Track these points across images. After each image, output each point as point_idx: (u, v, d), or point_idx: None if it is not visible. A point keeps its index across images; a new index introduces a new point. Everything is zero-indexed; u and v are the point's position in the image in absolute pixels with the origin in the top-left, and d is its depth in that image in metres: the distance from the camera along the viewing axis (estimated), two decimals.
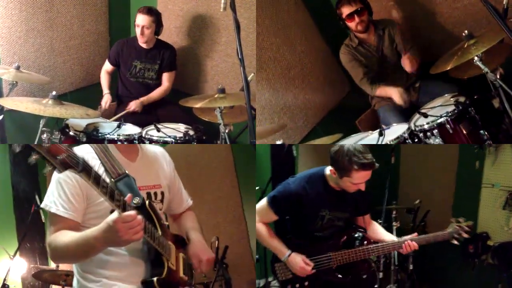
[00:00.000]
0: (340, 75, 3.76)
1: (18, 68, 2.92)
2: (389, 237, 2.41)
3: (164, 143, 2.87)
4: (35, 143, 2.56)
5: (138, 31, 3.45)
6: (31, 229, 3.45)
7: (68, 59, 3.83)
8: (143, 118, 3.33)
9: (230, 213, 3.88)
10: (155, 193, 1.76)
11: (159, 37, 3.60)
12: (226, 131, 2.81)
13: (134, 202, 1.50)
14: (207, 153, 3.88)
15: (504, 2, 2.51)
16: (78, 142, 2.78)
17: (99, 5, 3.99)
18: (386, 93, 3.12)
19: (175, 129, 3.02)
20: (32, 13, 3.47)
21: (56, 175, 1.56)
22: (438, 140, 2.51)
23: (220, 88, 2.85)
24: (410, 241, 2.29)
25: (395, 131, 2.74)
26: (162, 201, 1.80)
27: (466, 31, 2.48)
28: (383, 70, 3.24)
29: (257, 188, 3.50)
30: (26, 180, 3.71)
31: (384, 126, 2.84)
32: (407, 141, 2.63)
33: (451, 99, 2.63)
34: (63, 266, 3.16)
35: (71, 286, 2.85)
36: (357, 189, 2.17)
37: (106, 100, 3.52)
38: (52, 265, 3.37)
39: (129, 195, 1.49)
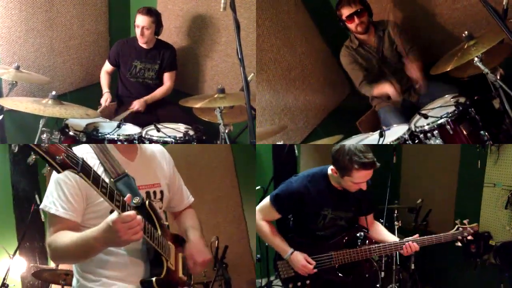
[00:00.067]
0: (341, 77, 3.76)
1: (17, 68, 2.92)
2: (392, 238, 2.41)
3: (164, 143, 2.86)
4: (35, 143, 2.55)
5: (138, 31, 3.45)
6: (30, 228, 3.45)
7: (68, 59, 3.83)
8: (143, 118, 3.32)
9: (230, 213, 3.88)
10: (154, 192, 1.76)
11: (159, 37, 3.59)
12: (226, 131, 2.81)
13: (133, 202, 1.51)
14: (207, 153, 3.88)
15: (504, 3, 2.52)
16: (78, 142, 2.77)
17: (99, 5, 3.99)
18: (382, 90, 3.07)
19: (175, 129, 3.01)
20: (31, 13, 3.47)
21: (55, 175, 1.56)
22: (438, 141, 2.51)
23: (220, 88, 2.85)
24: (411, 243, 2.28)
25: (396, 132, 2.73)
26: (161, 199, 1.80)
27: (466, 32, 2.48)
28: (384, 71, 3.23)
29: (258, 187, 3.50)
30: (26, 179, 3.71)
31: (384, 127, 2.83)
32: (407, 142, 2.62)
33: (451, 100, 2.63)
34: (63, 266, 3.16)
35: (70, 286, 2.86)
36: (359, 188, 2.18)
37: (106, 98, 3.52)
38: (52, 264, 3.37)
39: (128, 195, 1.49)
